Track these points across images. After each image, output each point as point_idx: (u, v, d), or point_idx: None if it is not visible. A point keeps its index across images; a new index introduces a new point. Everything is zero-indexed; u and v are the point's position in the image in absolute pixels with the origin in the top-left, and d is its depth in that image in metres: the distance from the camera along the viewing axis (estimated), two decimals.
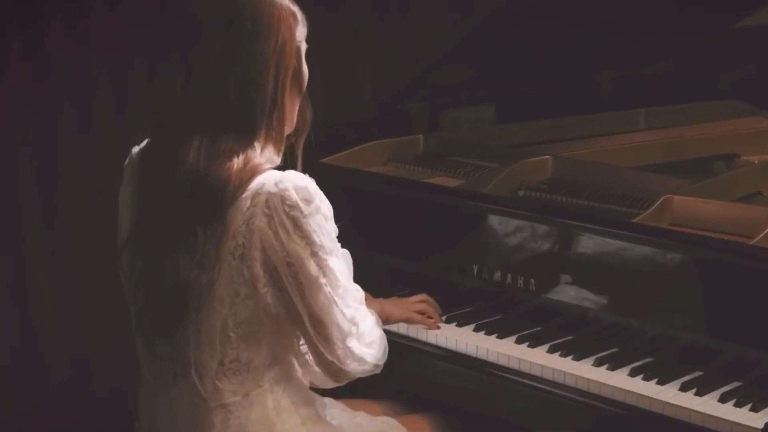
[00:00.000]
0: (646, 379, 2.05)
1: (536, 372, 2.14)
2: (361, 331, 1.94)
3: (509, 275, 2.31)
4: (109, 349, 2.93)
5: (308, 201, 1.82)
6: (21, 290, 2.88)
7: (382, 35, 3.39)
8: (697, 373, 2.05)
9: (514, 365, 2.17)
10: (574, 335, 2.22)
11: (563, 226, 2.24)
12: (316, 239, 1.83)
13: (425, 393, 2.33)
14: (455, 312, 2.36)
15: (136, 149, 1.97)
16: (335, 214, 1.89)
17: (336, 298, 1.87)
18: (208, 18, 1.84)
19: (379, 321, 2.03)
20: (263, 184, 1.82)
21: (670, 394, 2.00)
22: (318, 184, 1.86)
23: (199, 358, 1.88)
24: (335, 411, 2.09)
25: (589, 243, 2.20)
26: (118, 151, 2.09)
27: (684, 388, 2.01)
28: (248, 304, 1.85)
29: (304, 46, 1.93)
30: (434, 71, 2.94)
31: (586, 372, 2.10)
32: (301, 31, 1.91)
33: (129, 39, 2.90)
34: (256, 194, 1.81)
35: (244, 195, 1.81)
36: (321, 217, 1.85)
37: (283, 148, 1.91)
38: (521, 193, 2.53)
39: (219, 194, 1.80)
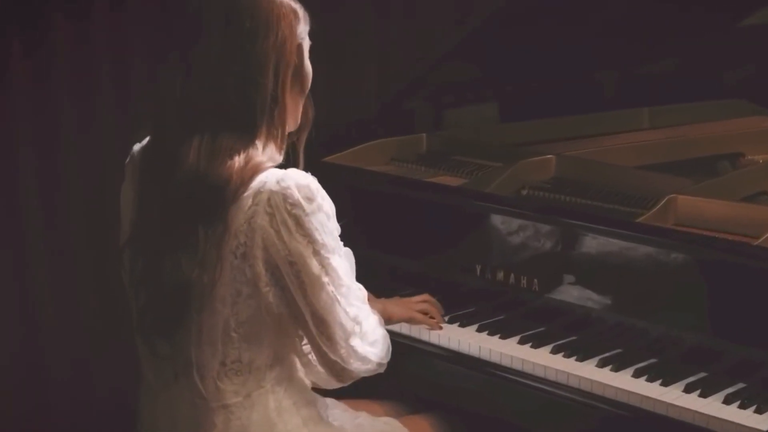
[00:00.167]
0: (650, 380, 2.04)
1: (539, 373, 2.13)
2: (365, 330, 1.93)
3: (512, 275, 2.30)
4: (110, 349, 2.93)
5: (310, 199, 1.81)
6: (21, 290, 2.87)
7: (385, 34, 3.38)
8: (702, 375, 2.04)
9: (517, 366, 2.16)
10: (578, 336, 2.21)
11: (566, 225, 2.24)
12: (318, 238, 1.82)
13: (428, 394, 2.32)
14: (458, 312, 2.35)
15: (137, 147, 1.97)
16: (337, 213, 1.88)
17: (339, 297, 1.86)
18: (207, 16, 1.83)
19: (382, 321, 2.02)
20: (265, 182, 1.81)
21: (674, 396, 1.99)
22: (320, 182, 1.85)
23: (200, 358, 1.87)
24: (337, 412, 2.09)
25: (592, 243, 2.20)
26: (119, 150, 2.09)
27: (688, 389, 2.00)
28: (250, 303, 1.84)
29: (306, 44, 1.92)
30: (437, 70, 2.94)
31: (589, 373, 2.09)
32: (302, 29, 1.90)
33: (130, 39, 2.90)
34: (258, 192, 1.80)
35: (245, 194, 1.81)
36: (323, 216, 1.84)
37: (285, 146, 1.90)
38: (524, 192, 2.53)
39: (220, 193, 1.79)
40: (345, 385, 1.98)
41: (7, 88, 2.78)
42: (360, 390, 2.11)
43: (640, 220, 2.23)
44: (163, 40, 2.35)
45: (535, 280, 2.27)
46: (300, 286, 1.83)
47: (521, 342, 2.22)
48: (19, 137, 2.82)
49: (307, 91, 1.95)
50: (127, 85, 2.91)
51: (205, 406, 1.89)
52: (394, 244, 2.50)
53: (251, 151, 1.83)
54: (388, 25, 3.39)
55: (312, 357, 1.93)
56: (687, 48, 2.99)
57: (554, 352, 2.17)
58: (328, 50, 3.09)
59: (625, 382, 2.04)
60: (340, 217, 1.89)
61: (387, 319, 2.12)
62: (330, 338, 1.88)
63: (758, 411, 1.92)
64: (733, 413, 1.93)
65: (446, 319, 2.33)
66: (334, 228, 1.87)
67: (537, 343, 2.21)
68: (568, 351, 2.16)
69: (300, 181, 1.82)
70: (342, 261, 1.89)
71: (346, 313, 1.88)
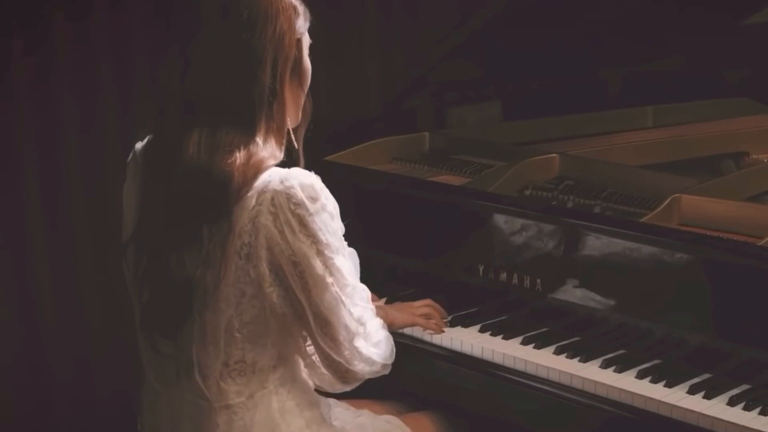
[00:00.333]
0: (654, 381, 2.03)
1: (542, 374, 2.12)
2: (369, 331, 1.93)
3: (515, 275, 2.30)
4: (111, 349, 2.93)
5: (314, 199, 1.81)
6: (23, 289, 2.87)
7: (388, 33, 3.38)
8: (706, 376, 2.03)
9: (520, 367, 2.15)
10: (581, 336, 2.21)
11: (570, 225, 2.23)
12: (322, 237, 1.82)
13: (430, 394, 2.32)
14: (460, 312, 2.34)
15: (139, 145, 1.97)
16: (340, 212, 1.88)
17: (343, 297, 1.86)
18: (205, 8, 1.83)
19: (385, 325, 2.01)
20: (269, 181, 1.80)
21: (678, 397, 1.98)
22: (323, 181, 1.84)
23: (203, 359, 1.86)
24: (339, 410, 2.08)
25: (596, 243, 2.19)
26: (120, 150, 2.09)
27: (692, 390, 1.99)
28: (254, 304, 1.83)
29: (306, 39, 1.92)
30: (440, 68, 2.93)
31: (592, 374, 2.08)
32: (301, 24, 1.89)
33: (131, 38, 2.90)
34: (262, 192, 1.80)
35: (249, 193, 1.80)
36: (327, 215, 1.83)
37: (285, 142, 1.89)
38: (527, 192, 2.52)
39: (223, 189, 1.79)
40: (350, 388, 1.97)
41: (8, 88, 2.78)
42: (362, 391, 2.10)
43: (644, 220, 2.22)
44: (165, 37, 2.34)
45: (538, 281, 2.26)
46: (304, 286, 1.82)
47: (524, 343, 2.21)
48: (20, 137, 2.82)
49: (306, 87, 1.94)
50: (128, 84, 2.91)
51: (208, 406, 1.88)
52: (396, 243, 2.50)
53: (252, 147, 1.82)
54: (392, 23, 3.39)
55: (316, 358, 1.92)
56: (692, 45, 2.98)
57: (557, 352, 2.16)
58: (331, 49, 3.09)
59: (628, 384, 2.04)
60: (343, 216, 1.89)
61: (389, 325, 2.11)
62: (334, 339, 1.87)
63: (763, 413, 1.91)
64: (738, 415, 1.92)
65: (449, 319, 2.32)
66: (337, 227, 1.87)
67: (540, 343, 2.20)
68: (572, 352, 2.15)
69: (304, 181, 1.81)
70: (346, 261, 1.88)
71: (351, 313, 1.88)
